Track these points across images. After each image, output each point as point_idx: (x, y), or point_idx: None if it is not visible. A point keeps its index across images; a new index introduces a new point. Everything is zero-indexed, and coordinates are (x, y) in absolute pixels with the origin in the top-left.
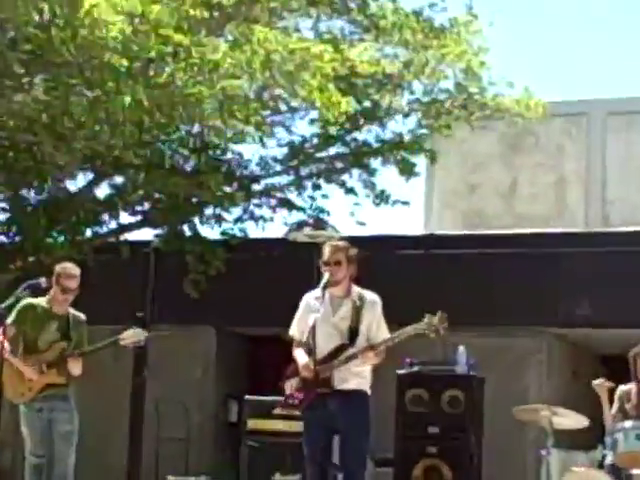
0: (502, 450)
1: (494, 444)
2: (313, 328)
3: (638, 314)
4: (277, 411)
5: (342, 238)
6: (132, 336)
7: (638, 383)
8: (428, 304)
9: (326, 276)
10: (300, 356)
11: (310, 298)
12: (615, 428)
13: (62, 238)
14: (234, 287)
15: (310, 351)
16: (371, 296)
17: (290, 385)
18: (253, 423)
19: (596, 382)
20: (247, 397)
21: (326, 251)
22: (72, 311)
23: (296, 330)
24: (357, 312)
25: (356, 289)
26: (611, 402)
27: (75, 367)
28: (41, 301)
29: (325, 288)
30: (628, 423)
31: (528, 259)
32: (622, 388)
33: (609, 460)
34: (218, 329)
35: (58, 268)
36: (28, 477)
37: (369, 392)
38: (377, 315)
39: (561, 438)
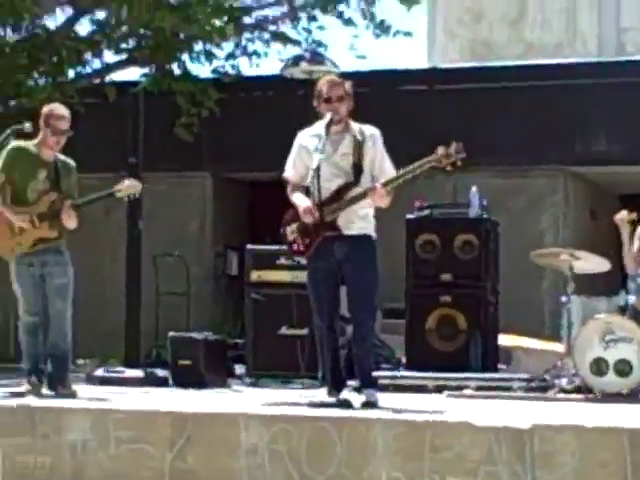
0: (519, 298)
1: (510, 291)
2: (317, 170)
3: None
4: (282, 261)
5: (341, 73)
6: (128, 187)
7: None
8: (432, 143)
9: (328, 115)
10: (299, 199)
11: (305, 137)
12: (639, 272)
13: (44, 80)
14: (229, 130)
15: (309, 193)
16: (371, 130)
17: (291, 231)
18: (256, 275)
19: (618, 216)
20: (249, 246)
21: (324, 87)
22: (61, 157)
23: (292, 172)
24: (359, 147)
25: (355, 124)
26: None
27: (70, 220)
28: (29, 145)
29: (329, 127)
30: None
31: (540, 92)
32: None
33: (632, 303)
34: (214, 175)
35: (46, 109)
36: (23, 337)
37: (375, 236)
38: (379, 149)
39: (581, 284)
